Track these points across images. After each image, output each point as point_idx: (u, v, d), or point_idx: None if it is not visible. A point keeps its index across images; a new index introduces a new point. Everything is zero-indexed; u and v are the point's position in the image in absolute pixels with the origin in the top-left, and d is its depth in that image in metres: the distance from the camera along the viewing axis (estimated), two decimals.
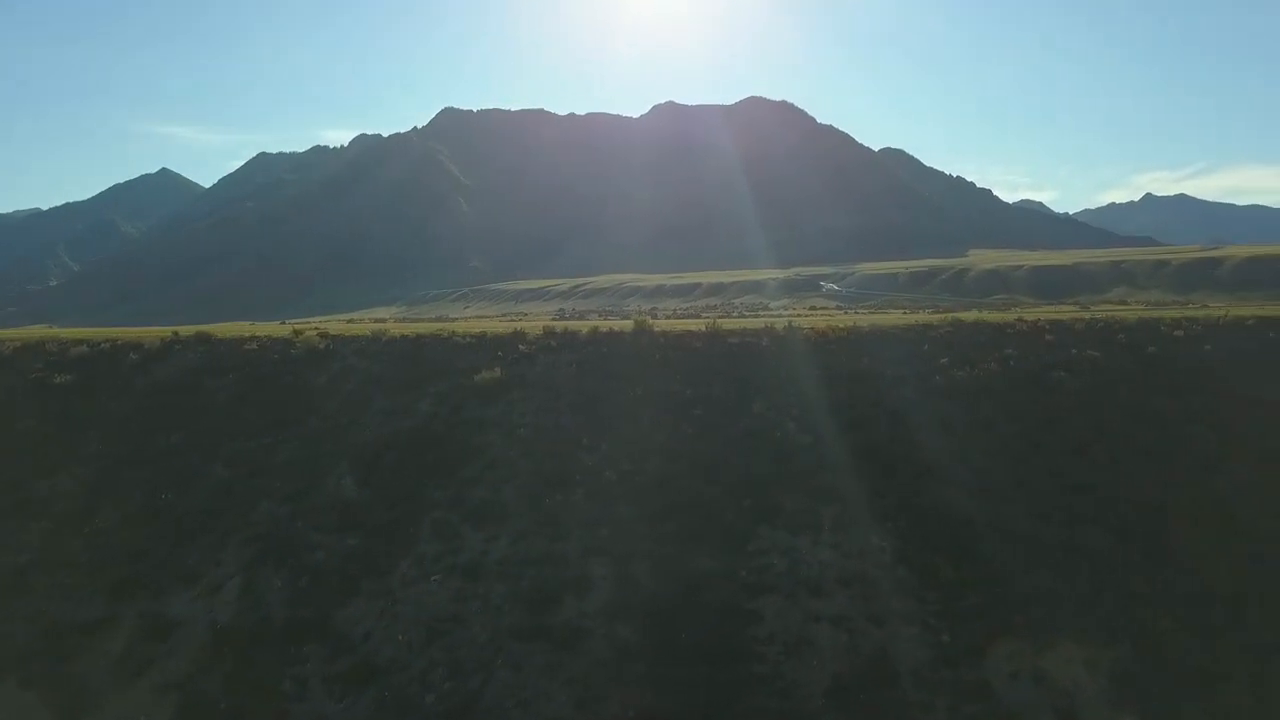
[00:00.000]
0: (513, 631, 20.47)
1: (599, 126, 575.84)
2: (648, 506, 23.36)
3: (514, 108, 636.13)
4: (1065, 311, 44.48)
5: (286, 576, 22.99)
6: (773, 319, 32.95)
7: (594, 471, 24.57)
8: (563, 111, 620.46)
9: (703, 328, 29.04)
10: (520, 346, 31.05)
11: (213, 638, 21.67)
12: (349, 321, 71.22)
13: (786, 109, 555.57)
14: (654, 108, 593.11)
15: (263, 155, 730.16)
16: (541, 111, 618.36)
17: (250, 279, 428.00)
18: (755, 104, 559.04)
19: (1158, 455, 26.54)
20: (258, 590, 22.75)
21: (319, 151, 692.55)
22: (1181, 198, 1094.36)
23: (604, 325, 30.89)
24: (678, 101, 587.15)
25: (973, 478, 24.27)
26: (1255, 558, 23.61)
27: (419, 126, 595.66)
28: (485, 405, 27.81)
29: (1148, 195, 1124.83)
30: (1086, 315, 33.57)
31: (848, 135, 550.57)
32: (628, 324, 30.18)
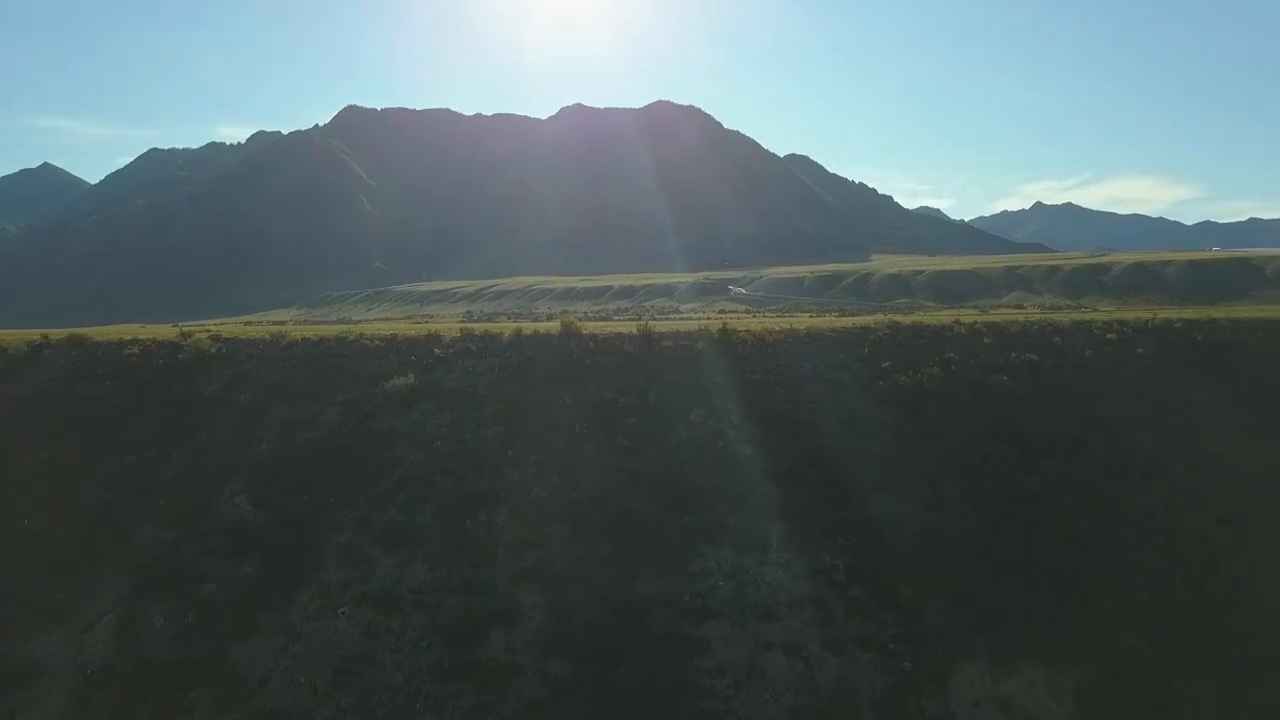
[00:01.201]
0: (433, 670, 18.24)
1: (506, 127, 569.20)
2: (581, 525, 21.37)
3: (419, 107, 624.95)
4: (1001, 313, 44.12)
5: (171, 611, 20.24)
6: (707, 321, 31.28)
7: (520, 488, 22.46)
8: (469, 112, 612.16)
9: (634, 330, 27.16)
10: (435, 350, 28.66)
11: (83, 685, 18.83)
12: (246, 324, 66.99)
13: (694, 114, 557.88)
14: (562, 109, 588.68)
15: (155, 151, 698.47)
16: (448, 111, 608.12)
17: (143, 280, 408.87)
18: (663, 108, 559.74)
19: (1105, 462, 25.77)
20: (137, 628, 19.95)
21: (215, 148, 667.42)
22: (1069, 206, 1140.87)
23: (528, 328, 28.75)
24: (586, 104, 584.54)
25: (924, 488, 23.00)
26: (1207, 564, 22.94)
27: (321, 124, 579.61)
28: (397, 415, 25.40)
29: (1038, 203, 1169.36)
30: (1022, 318, 32.87)
31: (754, 141, 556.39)
32: (554, 326, 28.13)
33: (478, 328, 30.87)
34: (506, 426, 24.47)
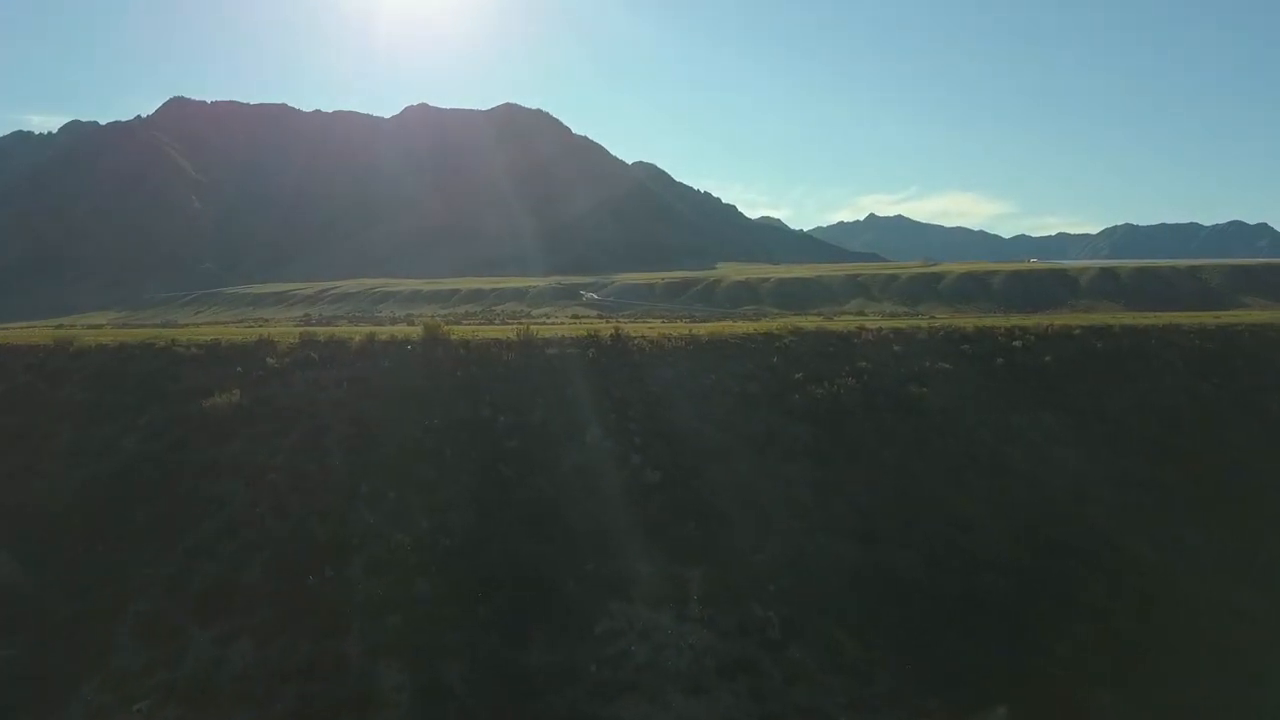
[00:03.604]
0: None
1: (348, 125, 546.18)
2: (456, 579, 17.15)
3: (253, 101, 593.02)
4: (904, 319, 42.21)
5: None
6: (597, 325, 27.46)
7: (378, 533, 17.99)
8: (308, 108, 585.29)
9: (514, 335, 22.96)
10: (268, 360, 23.59)
11: None
12: (27, 328, 58.23)
13: (542, 117, 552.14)
14: (407, 109, 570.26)
15: None
16: (284, 107, 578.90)
17: None
18: (512, 110, 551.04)
19: (1030, 480, 23.56)
20: None
21: (23, 138, 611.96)
22: (899, 218, 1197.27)
23: (382, 332, 24.09)
24: (431, 104, 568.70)
25: (856, 520, 19.94)
26: (1145, 596, 20.90)
27: (144, 115, 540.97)
28: (220, 442, 20.36)
29: (871, 215, 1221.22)
30: (925, 323, 30.66)
31: (603, 147, 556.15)
32: (415, 330, 23.67)
33: (321, 332, 25.93)
34: (358, 454, 19.87)
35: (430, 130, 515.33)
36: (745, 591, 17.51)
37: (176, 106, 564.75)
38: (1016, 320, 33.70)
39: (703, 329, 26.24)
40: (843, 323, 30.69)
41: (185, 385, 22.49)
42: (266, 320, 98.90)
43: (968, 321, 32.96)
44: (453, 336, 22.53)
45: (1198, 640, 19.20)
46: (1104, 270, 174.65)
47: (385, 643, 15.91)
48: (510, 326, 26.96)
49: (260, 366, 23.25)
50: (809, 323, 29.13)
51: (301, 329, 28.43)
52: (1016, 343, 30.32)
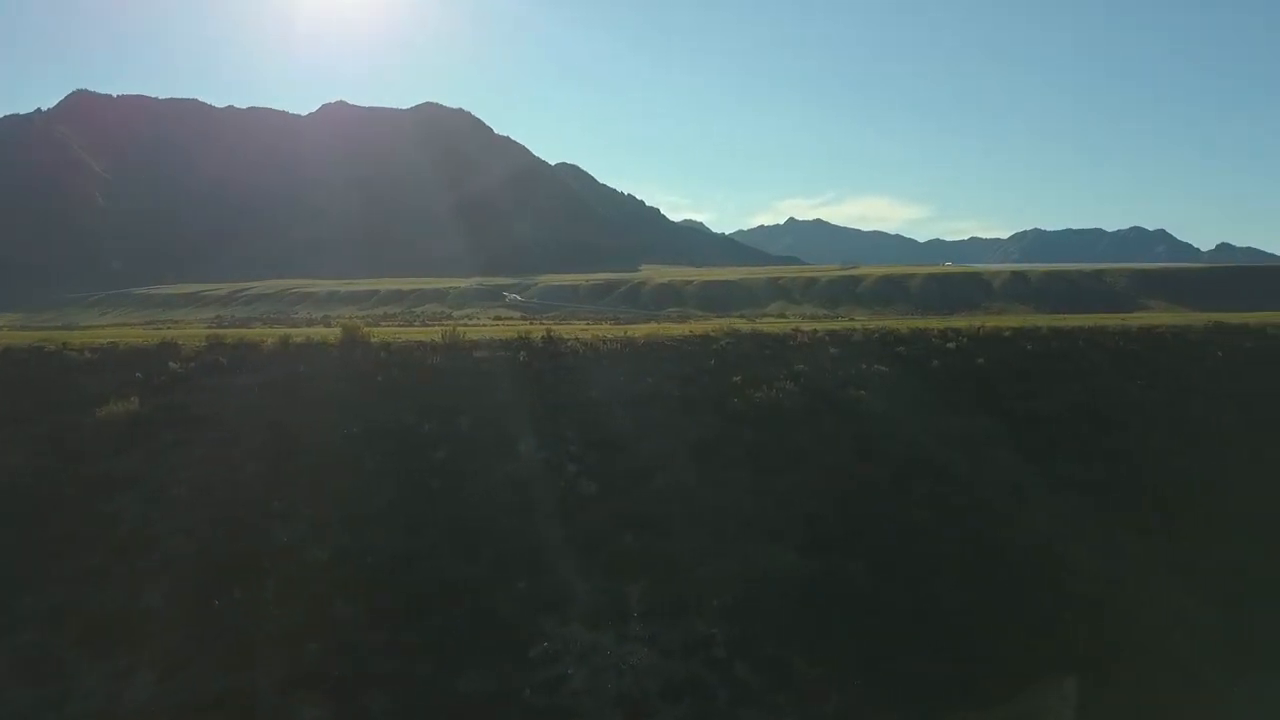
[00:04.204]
0: None
1: (263, 122, 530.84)
2: (379, 602, 15.91)
3: (162, 95, 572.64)
4: (839, 321, 41.90)
5: None
6: (529, 327, 26.32)
7: (292, 551, 16.62)
8: (220, 104, 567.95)
9: (439, 338, 21.68)
10: (171, 365, 21.89)
11: None
12: None
13: (464, 117, 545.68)
14: (324, 106, 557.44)
15: None
16: (195, 102, 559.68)
17: None
18: (432, 110, 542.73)
19: (972, 484, 23.19)
20: None
21: None
22: (818, 222, 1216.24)
23: (297, 334, 22.57)
24: (350, 101, 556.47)
25: (802, 527, 19.21)
26: (1091, 602, 20.62)
27: (44, 109, 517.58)
28: (116, 454, 18.68)
29: (790, 219, 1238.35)
30: (859, 325, 30.30)
31: (525, 148, 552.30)
32: (333, 332, 22.22)
33: (229, 335, 24.21)
34: (271, 466, 18.42)
35: (349, 128, 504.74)
36: (689, 607, 16.62)
37: (80, 100, 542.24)
38: (949, 322, 33.62)
39: (638, 331, 25.33)
40: (778, 325, 30.15)
41: (79, 392, 20.66)
42: (176, 322, 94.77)
43: (901, 323, 32.73)
44: (373, 339, 21.15)
45: (1147, 648, 18.99)
46: (1016, 274, 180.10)
47: (301, 672, 14.58)
48: (435, 328, 25.63)
49: (162, 372, 21.55)
50: (744, 325, 28.47)
51: (209, 331, 26.64)
52: (950, 344, 30.13)
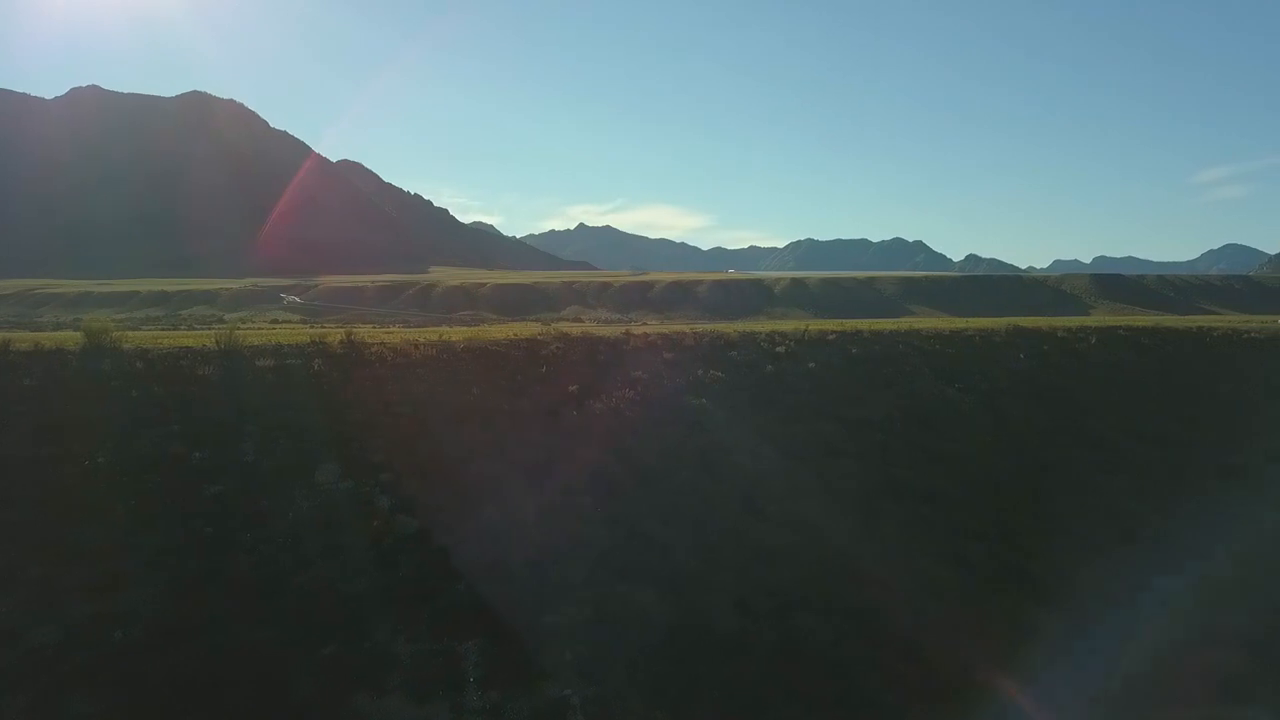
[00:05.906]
0: None
1: (1, 105, 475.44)
2: (137, 690, 12.04)
3: None
4: (669, 325, 39.77)
5: None
6: (324, 331, 22.33)
7: (8, 631, 12.41)
8: None
9: (213, 343, 17.50)
10: None
11: None
12: None
13: (236, 108, 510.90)
14: (74, 90, 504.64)
15: None
16: None
17: None
18: (200, 99, 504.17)
19: (822, 499, 21.67)
20: None
21: None
22: (608, 228, 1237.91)
23: (22, 339, 17.69)
24: (104, 87, 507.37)
25: (658, 560, 16.71)
26: (949, 624, 19.49)
27: None
28: None
29: (581, 224, 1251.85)
30: (688, 328, 28.60)
31: (304, 143, 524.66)
32: (73, 336, 17.62)
33: None
34: None
35: (106, 115, 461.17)
36: (536, 666, 13.76)
37: None
38: (775, 325, 32.48)
39: (457, 334, 22.06)
40: (608, 329, 27.76)
41: None
42: None
43: (729, 327, 31.23)
44: (125, 345, 16.80)
45: (1007, 667, 17.96)
46: (795, 280, 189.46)
47: None
48: (206, 332, 21.28)
49: None
50: (574, 328, 25.84)
51: None
52: (780, 349, 28.90)
